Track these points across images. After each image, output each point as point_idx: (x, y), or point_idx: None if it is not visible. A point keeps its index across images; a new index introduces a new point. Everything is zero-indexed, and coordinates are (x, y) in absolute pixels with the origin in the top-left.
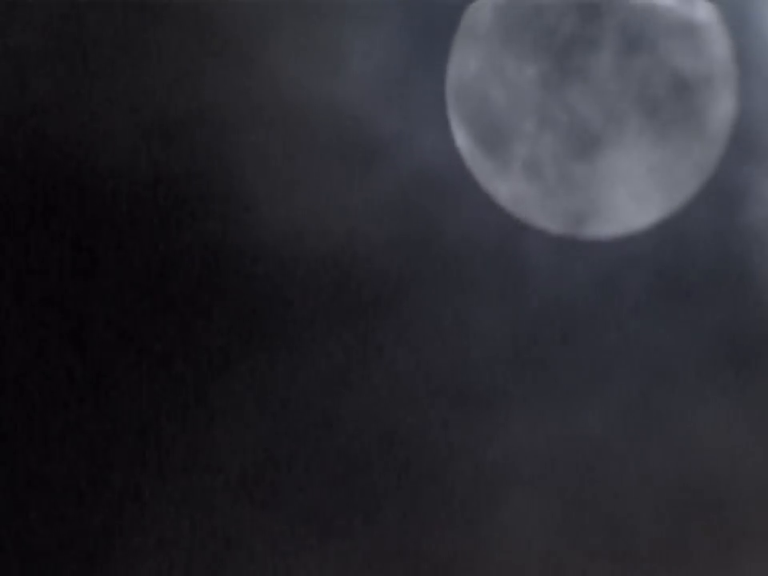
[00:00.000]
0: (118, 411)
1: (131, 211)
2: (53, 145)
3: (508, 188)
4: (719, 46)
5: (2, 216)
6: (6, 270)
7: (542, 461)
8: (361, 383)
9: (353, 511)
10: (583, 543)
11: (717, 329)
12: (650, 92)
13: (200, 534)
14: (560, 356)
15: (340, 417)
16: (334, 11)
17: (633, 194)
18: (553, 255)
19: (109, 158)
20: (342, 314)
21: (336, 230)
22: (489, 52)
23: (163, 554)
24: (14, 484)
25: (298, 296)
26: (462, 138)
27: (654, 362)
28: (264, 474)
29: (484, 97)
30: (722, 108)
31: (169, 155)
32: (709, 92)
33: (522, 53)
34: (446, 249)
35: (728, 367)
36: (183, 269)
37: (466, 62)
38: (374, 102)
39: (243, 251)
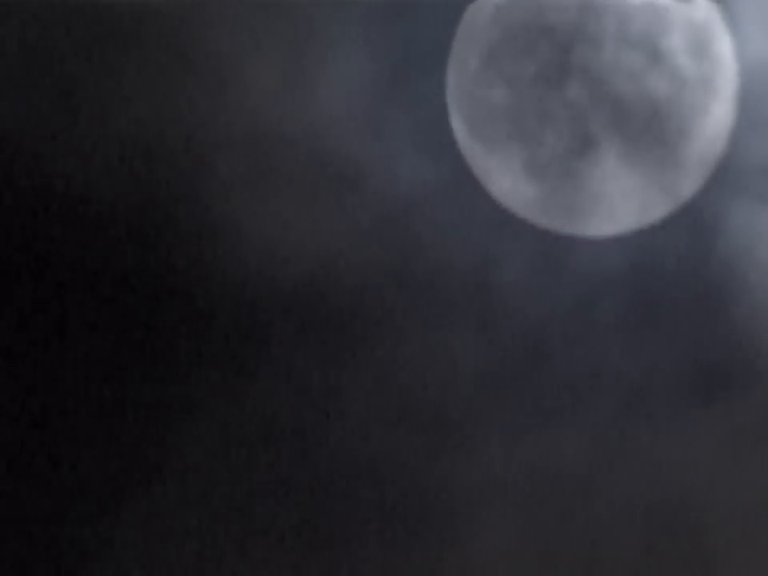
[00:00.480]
0: (98, 431)
1: (109, 234)
2: (27, 169)
3: (508, 185)
4: (719, 46)
5: None
6: None
7: (516, 484)
8: (338, 406)
9: (328, 533)
10: (557, 566)
11: (690, 354)
12: (649, 91)
13: (174, 560)
14: (534, 380)
15: (316, 439)
16: (315, 33)
17: (633, 192)
18: (529, 280)
19: (87, 180)
20: (320, 338)
21: (315, 254)
22: (489, 51)
23: None
24: None
25: (276, 321)
26: (461, 136)
27: (628, 386)
28: (241, 494)
29: (484, 95)
30: (721, 107)
31: (148, 180)
32: (709, 91)
33: (522, 51)
34: (423, 273)
35: (701, 391)
36: (163, 291)
37: (466, 61)
38: (354, 127)
39: (222, 275)
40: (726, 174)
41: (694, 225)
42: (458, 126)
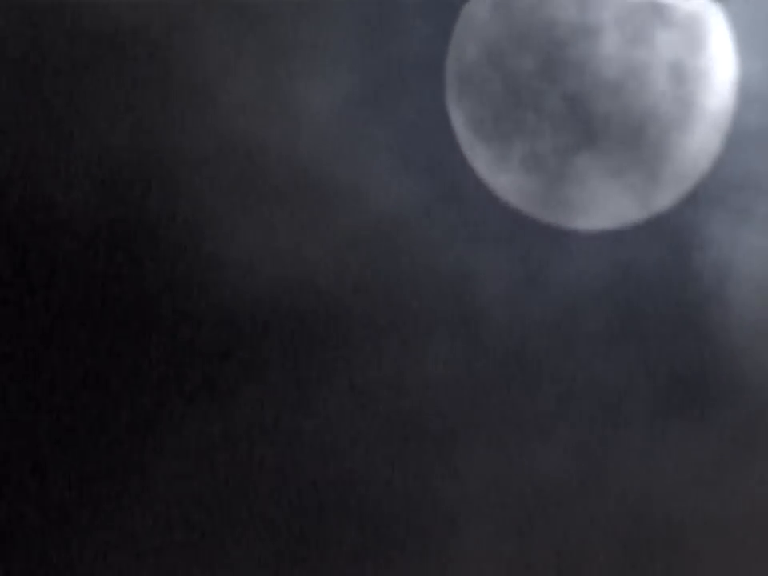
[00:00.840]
0: (73, 449)
1: (89, 246)
2: (6, 183)
3: (507, 179)
4: (717, 40)
5: None
6: None
7: (496, 499)
8: (318, 419)
9: (306, 550)
10: None
11: (669, 365)
12: (648, 85)
13: None
14: (514, 396)
15: (295, 455)
16: (298, 45)
17: (631, 186)
18: (509, 293)
19: (62, 198)
20: (300, 352)
21: (296, 268)
22: (488, 44)
23: None
24: None
25: (256, 334)
26: (461, 130)
27: (608, 401)
28: (213, 513)
29: (483, 88)
30: (719, 100)
31: (123, 198)
32: (706, 85)
33: (521, 46)
34: (405, 286)
35: (680, 407)
36: (142, 304)
37: (465, 54)
38: (338, 140)
39: (201, 288)
40: (705, 189)
41: (673, 238)
42: (456, 119)
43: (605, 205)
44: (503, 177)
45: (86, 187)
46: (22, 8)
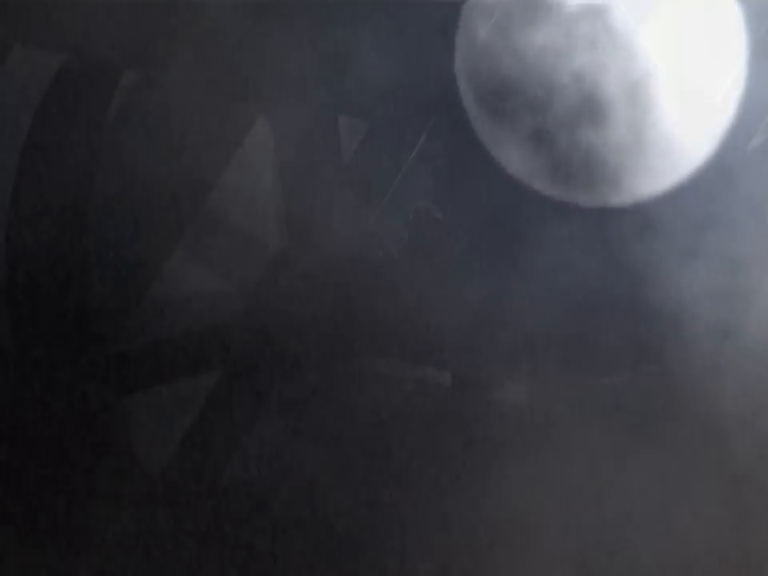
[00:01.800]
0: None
1: (43, 299)
2: None
3: (517, 156)
4: (726, 18)
5: None
6: None
7: (451, 530)
8: (274, 458)
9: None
10: None
11: (625, 401)
12: (657, 60)
13: None
14: (470, 432)
15: (245, 496)
16: (253, 81)
17: (642, 161)
18: (464, 334)
19: (20, 240)
20: (251, 388)
21: (253, 305)
22: (497, 21)
23: None
24: None
25: (209, 373)
26: (471, 106)
27: (563, 435)
28: (169, 547)
29: (492, 66)
30: (728, 74)
31: (80, 238)
32: (714, 61)
33: (530, 23)
34: (362, 323)
35: (635, 440)
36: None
37: (474, 32)
38: (292, 180)
39: (154, 321)
40: (659, 228)
41: (626, 274)
42: (466, 96)
43: (614, 178)
44: (511, 151)
45: (40, 219)
46: None
